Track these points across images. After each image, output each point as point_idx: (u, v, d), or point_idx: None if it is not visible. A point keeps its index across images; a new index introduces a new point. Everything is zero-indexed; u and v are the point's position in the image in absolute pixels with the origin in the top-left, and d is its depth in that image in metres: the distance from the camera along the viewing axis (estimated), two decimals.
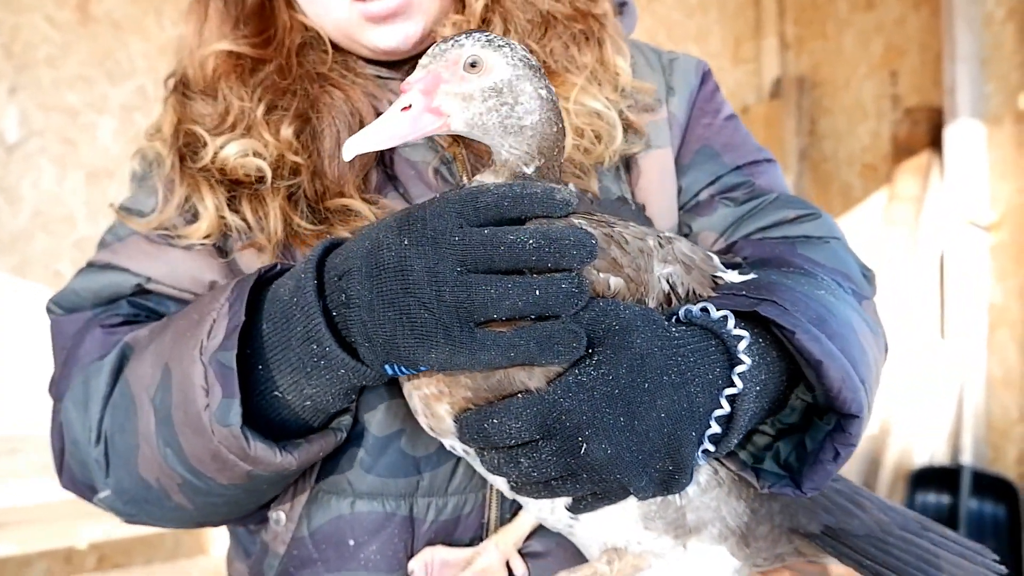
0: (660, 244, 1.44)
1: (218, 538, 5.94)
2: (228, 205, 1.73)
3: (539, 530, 1.65)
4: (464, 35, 1.32)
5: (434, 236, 1.24)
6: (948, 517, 6.32)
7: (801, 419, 1.51)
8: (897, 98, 7.49)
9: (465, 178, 1.73)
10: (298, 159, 1.71)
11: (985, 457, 6.52)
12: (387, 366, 1.33)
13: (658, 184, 1.89)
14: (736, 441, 1.36)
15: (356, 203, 1.68)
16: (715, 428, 1.32)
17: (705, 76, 2.06)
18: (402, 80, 1.69)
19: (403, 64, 1.89)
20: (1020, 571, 5.94)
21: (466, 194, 1.27)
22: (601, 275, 1.32)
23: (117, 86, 6.42)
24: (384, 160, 1.80)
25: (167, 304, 1.80)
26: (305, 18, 1.86)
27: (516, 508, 1.65)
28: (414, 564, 1.62)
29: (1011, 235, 6.38)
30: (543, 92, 1.37)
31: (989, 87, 6.54)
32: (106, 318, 1.75)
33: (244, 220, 1.72)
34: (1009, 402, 6.43)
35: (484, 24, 1.80)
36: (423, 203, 1.30)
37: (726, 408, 1.32)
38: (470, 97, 1.31)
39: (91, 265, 1.84)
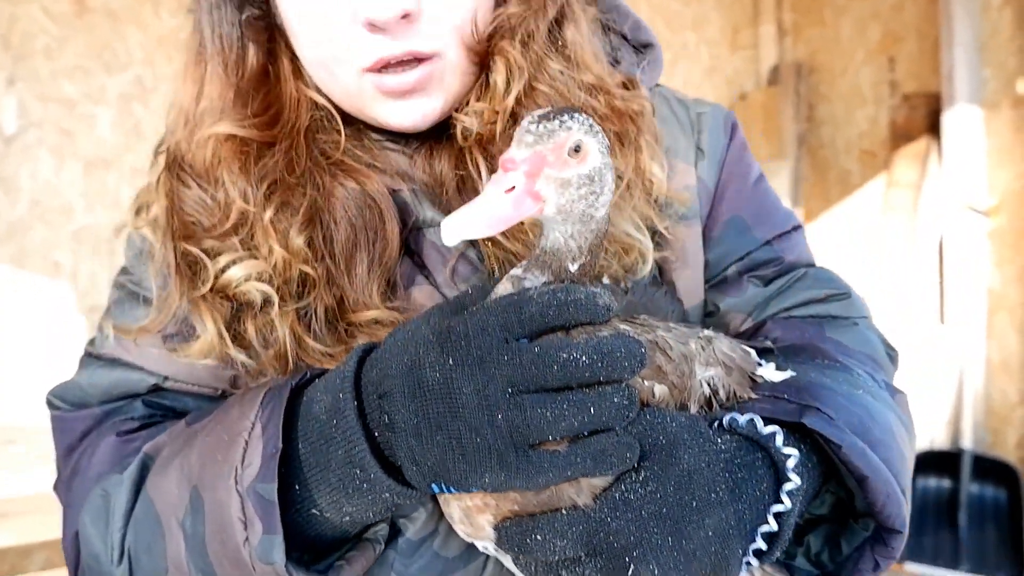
0: (702, 347, 1.39)
1: None
2: (231, 330, 1.57)
3: None
4: (567, 115, 1.22)
5: (480, 355, 1.17)
6: (949, 501, 6.33)
7: (830, 511, 1.47)
8: (895, 84, 7.48)
9: (493, 265, 1.61)
10: (310, 270, 1.55)
11: (985, 441, 6.53)
12: (435, 486, 1.23)
13: (686, 260, 1.78)
14: (779, 554, 1.32)
15: (383, 314, 1.54)
16: (760, 544, 1.28)
17: (733, 130, 1.91)
18: (411, 151, 1.70)
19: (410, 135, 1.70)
20: (1021, 554, 5.95)
21: (508, 304, 1.20)
22: (646, 383, 1.28)
23: (114, 77, 6.42)
24: (410, 245, 1.65)
25: (184, 400, 1.70)
26: (314, 93, 1.67)
27: None
28: None
29: (1009, 220, 6.38)
30: (613, 177, 1.30)
31: (987, 72, 6.54)
32: (121, 423, 1.64)
33: (249, 346, 1.57)
34: (1008, 387, 6.44)
35: (514, 119, 1.59)
36: (463, 317, 1.21)
37: (773, 526, 1.28)
38: (568, 183, 1.22)
39: (97, 357, 1.72)
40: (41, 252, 6.21)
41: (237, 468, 1.33)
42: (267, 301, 1.55)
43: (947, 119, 6.63)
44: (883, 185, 7.26)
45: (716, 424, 1.35)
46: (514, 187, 1.18)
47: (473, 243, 1.64)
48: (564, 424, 1.13)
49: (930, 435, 6.59)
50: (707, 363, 1.38)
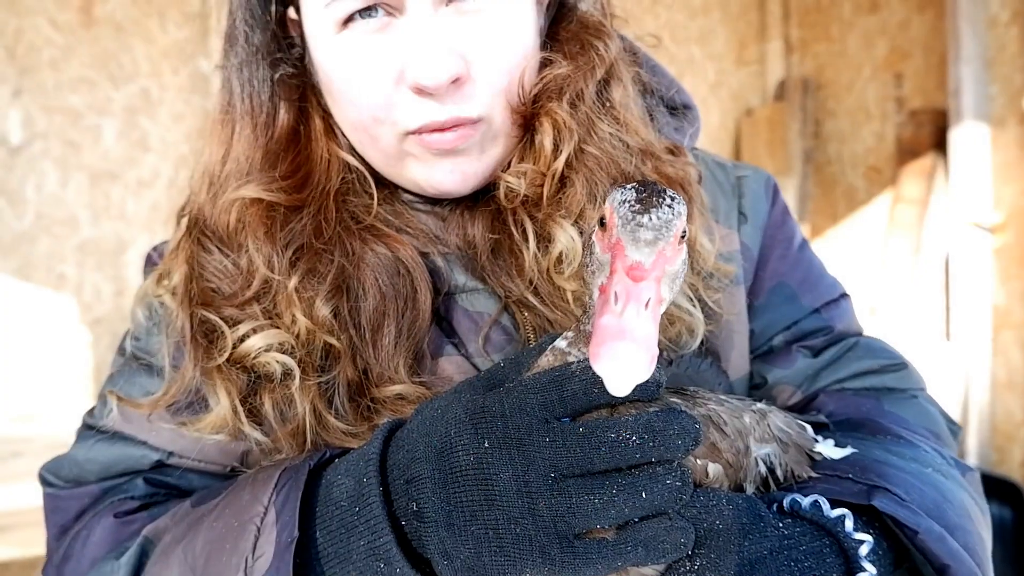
0: (756, 421, 1.32)
1: None
2: (247, 405, 1.49)
3: None
4: (670, 198, 1.07)
5: (519, 437, 1.08)
6: None
7: None
8: (901, 100, 7.46)
9: (529, 335, 1.53)
10: (335, 341, 1.46)
11: (990, 459, 6.50)
12: None
13: (731, 329, 1.69)
14: None
15: (409, 389, 1.44)
16: None
17: (775, 195, 1.84)
18: (445, 213, 1.63)
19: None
20: None
21: (549, 381, 1.10)
22: (699, 462, 1.19)
23: (120, 89, 6.40)
24: (440, 312, 1.56)
25: (190, 478, 1.61)
26: (346, 154, 1.61)
27: None
28: None
29: (1015, 237, 6.36)
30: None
31: (993, 89, 6.52)
32: (119, 503, 1.54)
33: (264, 422, 1.49)
34: (1013, 404, 6.41)
35: (562, 183, 1.53)
36: (498, 394, 1.12)
37: None
38: (676, 275, 1.11)
39: (97, 431, 1.64)
40: (46, 264, 6.19)
41: (248, 558, 1.24)
42: (287, 374, 1.47)
43: (954, 135, 6.61)
44: (889, 201, 7.24)
45: (776, 507, 1.27)
46: (650, 299, 1.01)
47: (506, 308, 1.56)
48: (614, 511, 1.04)
49: None
50: (762, 439, 1.31)
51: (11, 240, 6.08)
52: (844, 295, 1.83)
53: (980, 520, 1.42)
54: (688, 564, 1.08)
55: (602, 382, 0.99)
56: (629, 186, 1.10)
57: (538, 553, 1.05)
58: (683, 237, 1.09)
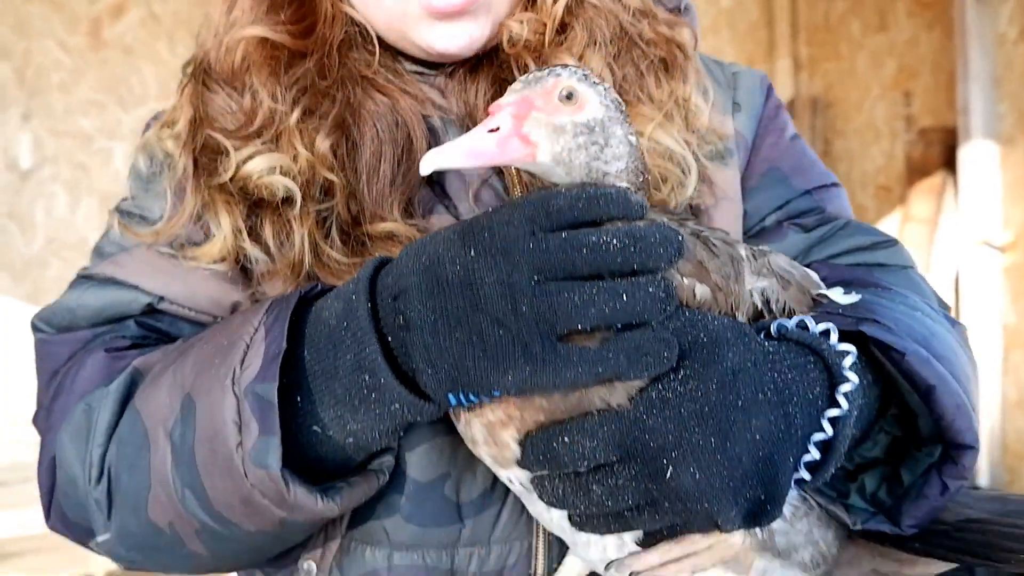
0: (753, 255, 1.33)
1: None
2: (247, 227, 1.51)
3: None
4: (560, 67, 1.22)
5: (504, 246, 1.10)
6: None
7: (884, 453, 1.38)
8: (911, 119, 7.47)
9: (518, 190, 1.59)
10: (333, 177, 1.49)
11: (1001, 480, 6.49)
12: (451, 395, 1.15)
13: (724, 204, 1.72)
14: (833, 469, 1.24)
15: (400, 227, 1.48)
16: (813, 454, 1.20)
17: (769, 91, 1.89)
18: (444, 82, 1.67)
19: (444, 65, 1.67)
20: None
21: (536, 199, 1.13)
22: (686, 281, 1.20)
23: (129, 112, 6.43)
24: (432, 176, 1.54)
25: (181, 326, 1.61)
26: (350, 8, 1.60)
27: (564, 556, 1.46)
28: None
29: None
30: (632, 139, 1.26)
31: (1002, 107, 6.53)
32: (111, 340, 1.55)
33: (264, 245, 1.51)
34: None
35: (563, 29, 1.59)
36: (484, 212, 1.17)
37: (828, 432, 1.19)
38: (561, 129, 1.18)
39: (88, 278, 1.64)
40: (56, 289, 6.09)
41: (235, 370, 1.27)
42: (288, 199, 1.50)
43: (963, 154, 6.62)
44: (899, 220, 7.25)
45: (763, 332, 1.27)
46: (499, 127, 1.16)
47: (499, 173, 1.61)
48: (594, 311, 1.07)
49: None
50: (759, 272, 1.32)
51: (22, 265, 6.09)
52: (836, 184, 1.85)
53: (966, 360, 1.44)
54: (674, 374, 1.11)
55: (586, 197, 1.11)
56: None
57: (521, 353, 1.08)
58: (569, 97, 1.19)
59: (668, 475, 1.09)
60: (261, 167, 1.49)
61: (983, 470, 6.40)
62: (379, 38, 1.63)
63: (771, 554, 1.27)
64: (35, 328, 1.68)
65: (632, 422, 1.10)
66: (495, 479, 1.42)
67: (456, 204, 1.58)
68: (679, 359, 1.11)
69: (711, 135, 1.69)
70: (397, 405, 1.20)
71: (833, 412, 1.19)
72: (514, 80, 1.35)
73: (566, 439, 1.12)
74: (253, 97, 1.55)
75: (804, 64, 8.67)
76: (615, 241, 1.08)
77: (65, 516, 1.49)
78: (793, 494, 1.25)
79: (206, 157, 1.54)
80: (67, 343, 1.61)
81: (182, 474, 1.30)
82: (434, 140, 1.61)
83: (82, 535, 1.48)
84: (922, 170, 7.04)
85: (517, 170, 1.57)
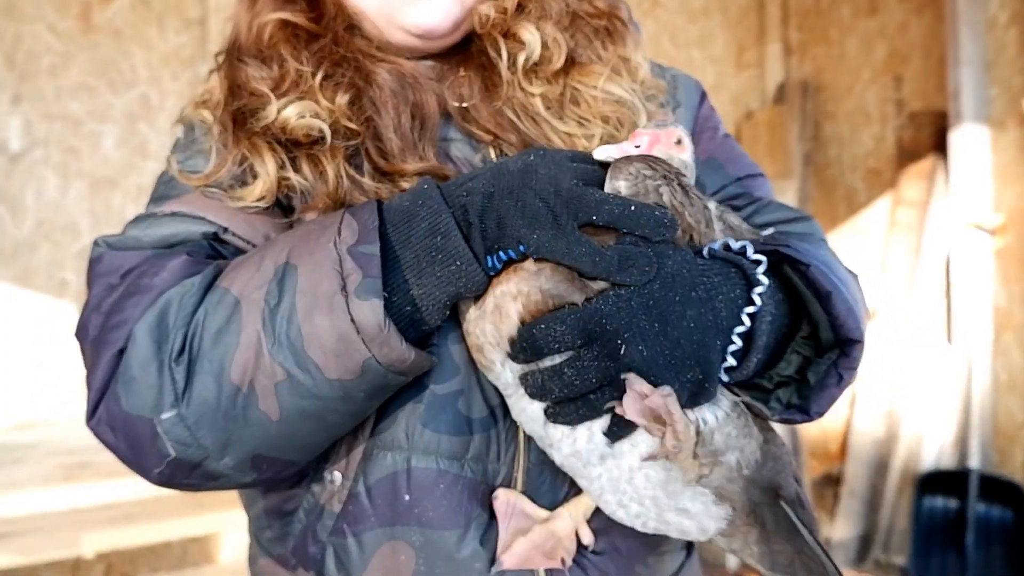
0: (718, 209, 1.64)
1: (226, 545, 5.92)
2: (286, 164, 1.73)
3: (598, 529, 1.72)
4: (675, 122, 1.67)
5: (556, 160, 1.45)
6: (956, 521, 6.32)
7: (796, 371, 1.61)
8: (901, 103, 7.49)
9: None
10: (353, 125, 1.73)
11: (992, 461, 6.52)
12: (489, 258, 1.43)
13: None
14: (756, 360, 1.48)
15: (430, 165, 1.73)
16: (737, 343, 1.45)
17: (703, 96, 2.18)
18: (436, 77, 1.91)
19: (433, 60, 1.94)
20: None
21: (583, 153, 1.54)
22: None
23: (119, 95, 6.42)
24: (441, 147, 1.84)
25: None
26: (352, 3, 1.87)
27: (540, 484, 1.70)
28: (499, 496, 1.68)
29: (1016, 239, 6.39)
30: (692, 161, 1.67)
31: (993, 91, 6.55)
32: (191, 249, 1.65)
33: (305, 179, 1.72)
34: (1015, 406, 6.43)
35: (520, 9, 1.87)
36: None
37: (747, 324, 1.44)
38: (671, 159, 1.58)
39: (152, 216, 1.73)
40: (46, 271, 6.21)
41: (335, 238, 1.47)
42: (321, 139, 1.71)
43: (953, 138, 6.64)
44: (889, 204, 7.28)
45: (696, 253, 1.50)
46: (639, 146, 1.55)
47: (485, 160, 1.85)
48: (608, 208, 1.37)
49: (937, 455, 6.58)
50: (721, 220, 1.63)
51: (11, 247, 6.09)
52: (761, 174, 2.16)
53: (858, 292, 1.80)
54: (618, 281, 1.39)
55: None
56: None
57: (551, 220, 1.37)
58: (679, 143, 1.61)
59: (622, 352, 1.35)
60: (296, 111, 1.71)
61: (973, 452, 6.43)
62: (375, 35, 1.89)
63: (708, 453, 1.48)
64: (95, 244, 1.74)
65: (592, 311, 1.35)
66: (497, 402, 1.66)
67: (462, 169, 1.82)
68: (627, 265, 1.38)
69: (653, 88, 1.99)
70: (457, 264, 1.44)
71: (750, 308, 1.45)
72: (492, 66, 1.85)
73: (543, 326, 1.37)
74: (280, 65, 1.79)
75: (795, 48, 8.68)
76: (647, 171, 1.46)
77: (119, 409, 1.52)
78: (726, 399, 1.50)
79: (247, 110, 1.76)
80: (128, 257, 1.66)
81: (277, 325, 1.45)
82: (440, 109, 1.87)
83: (131, 429, 1.52)
84: (913, 154, 7.06)
85: (501, 153, 1.84)
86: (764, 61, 8.80)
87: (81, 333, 1.64)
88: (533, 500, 1.69)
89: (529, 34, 1.83)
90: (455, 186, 1.49)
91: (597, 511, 1.68)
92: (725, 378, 1.48)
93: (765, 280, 1.46)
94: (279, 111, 1.71)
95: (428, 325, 1.53)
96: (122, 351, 1.52)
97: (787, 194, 7.96)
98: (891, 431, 6.76)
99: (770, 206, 2.04)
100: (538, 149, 1.50)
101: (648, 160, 1.50)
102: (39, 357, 6.11)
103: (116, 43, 6.40)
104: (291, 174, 1.71)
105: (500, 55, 1.84)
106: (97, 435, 1.59)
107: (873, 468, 6.80)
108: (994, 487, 6.28)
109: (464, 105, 1.87)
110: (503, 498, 1.67)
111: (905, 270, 6.84)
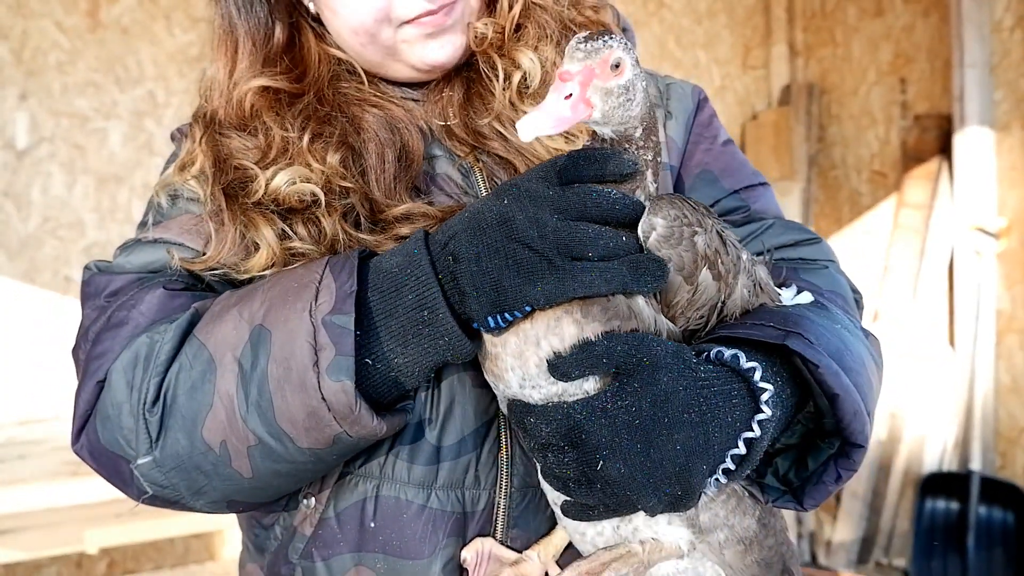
0: (750, 261, 1.63)
1: (228, 542, 5.93)
2: (285, 232, 1.72)
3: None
4: (608, 37, 1.43)
5: (530, 195, 1.40)
6: (957, 523, 6.32)
7: (799, 438, 1.65)
8: (906, 105, 7.48)
9: (481, 185, 1.84)
10: (347, 183, 1.72)
11: (994, 464, 6.52)
12: (490, 317, 1.41)
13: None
14: (746, 474, 1.50)
15: (413, 206, 1.72)
16: (729, 464, 1.45)
17: (701, 102, 2.14)
18: (422, 99, 1.93)
19: (421, 86, 1.94)
20: None
21: (547, 164, 1.45)
22: (700, 263, 1.48)
23: (126, 92, 6.43)
24: (419, 187, 1.83)
25: (223, 284, 1.78)
26: (335, 50, 1.90)
27: (526, 508, 1.73)
28: (467, 553, 1.70)
29: (1019, 242, 6.38)
30: (645, 85, 1.51)
31: (998, 94, 6.55)
32: (169, 281, 1.72)
33: (305, 243, 1.71)
34: (1017, 409, 6.43)
35: (519, 30, 1.88)
36: (509, 179, 1.54)
37: (743, 450, 1.44)
38: (610, 92, 1.43)
39: (137, 242, 1.82)
40: (52, 267, 6.23)
41: (311, 304, 1.48)
42: (314, 202, 1.71)
43: (958, 140, 6.64)
44: (893, 206, 7.27)
45: (704, 355, 1.50)
46: (571, 94, 1.39)
47: (471, 178, 1.86)
48: (603, 242, 1.37)
49: (938, 457, 6.58)
50: (748, 275, 1.60)
51: (17, 243, 6.10)
52: (764, 184, 2.12)
53: (873, 370, 1.71)
54: (617, 388, 1.38)
55: (589, 156, 1.44)
56: (580, 35, 1.45)
57: (547, 267, 1.35)
58: (616, 67, 1.43)
59: (599, 467, 1.36)
60: (286, 179, 1.71)
61: (975, 455, 6.42)
62: (363, 69, 1.91)
63: (694, 530, 1.55)
64: (86, 268, 1.85)
65: (576, 422, 1.37)
66: (471, 430, 1.70)
67: (439, 199, 1.82)
68: (624, 376, 1.38)
69: None
70: (444, 339, 1.47)
71: (748, 435, 1.44)
72: (479, 79, 1.85)
73: (532, 419, 1.43)
74: (266, 134, 1.78)
75: (800, 50, 8.67)
76: (614, 194, 1.41)
77: (97, 441, 1.61)
78: (712, 488, 1.50)
79: (237, 184, 1.75)
80: (111, 280, 1.77)
81: (249, 393, 1.50)
82: (424, 142, 1.87)
83: (109, 462, 1.62)
84: (917, 156, 7.05)
85: (481, 170, 1.85)
86: (769, 63, 8.79)
87: (74, 356, 1.75)
88: (516, 524, 1.73)
89: (529, 61, 1.84)
90: (440, 246, 1.47)
91: (567, 549, 1.72)
92: (722, 479, 1.48)
93: (769, 412, 1.44)
94: (268, 182, 1.71)
95: (410, 387, 1.57)
96: (100, 383, 1.61)
97: (792, 195, 7.97)
98: (893, 433, 6.76)
99: (775, 226, 2.02)
100: (510, 185, 1.45)
101: (687, 204, 1.48)
102: (44, 353, 6.12)
103: (123, 40, 6.42)
104: (294, 243, 1.70)
105: (495, 75, 1.85)
106: (81, 459, 1.68)
107: (875, 470, 6.80)
108: (995, 490, 6.28)
109: (446, 124, 1.87)
110: (474, 549, 1.70)
111: (908, 272, 6.83)
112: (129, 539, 5.29)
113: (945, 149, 6.87)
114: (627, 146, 1.49)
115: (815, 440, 1.62)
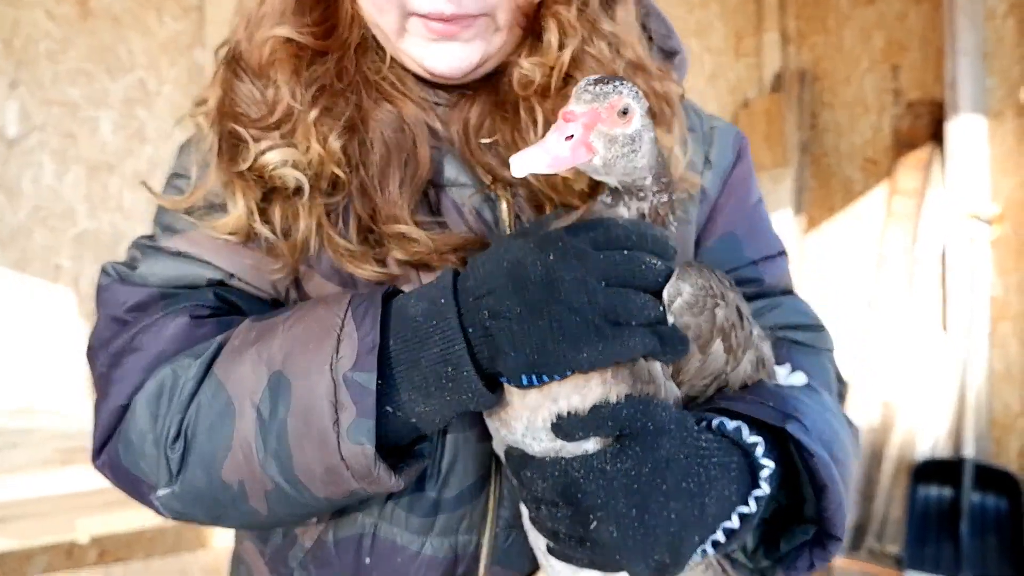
0: (760, 336, 1.63)
1: (220, 531, 5.93)
2: (260, 209, 1.66)
3: None
4: (619, 82, 1.38)
5: (578, 254, 1.33)
6: (950, 510, 6.33)
7: (770, 515, 1.61)
8: (898, 92, 7.48)
9: (507, 218, 1.74)
10: (340, 172, 1.64)
11: (987, 450, 6.52)
12: (525, 376, 1.37)
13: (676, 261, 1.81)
14: (734, 547, 1.49)
15: (413, 230, 1.62)
16: (719, 536, 1.43)
17: (742, 152, 2.04)
18: (443, 104, 1.79)
19: (444, 88, 1.79)
20: (1023, 564, 5.95)
21: (598, 223, 1.40)
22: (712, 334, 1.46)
23: (117, 81, 6.42)
24: (430, 199, 1.73)
25: (248, 301, 1.76)
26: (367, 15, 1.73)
27: (509, 546, 1.75)
28: None
29: (1012, 229, 6.39)
30: (654, 138, 1.45)
31: (990, 81, 6.55)
32: (195, 308, 1.68)
33: (272, 227, 1.66)
34: (1010, 396, 6.44)
35: (567, 81, 1.71)
36: (555, 230, 1.40)
37: (736, 523, 1.43)
38: (614, 140, 1.37)
39: (159, 249, 1.75)
40: (43, 257, 6.22)
41: (332, 357, 1.43)
42: (299, 189, 1.64)
43: (950, 127, 6.64)
44: (886, 193, 7.27)
45: (705, 424, 1.48)
46: (573, 135, 1.32)
47: (489, 199, 1.74)
48: (646, 312, 1.34)
49: (932, 444, 6.59)
50: (755, 350, 1.59)
51: (8, 233, 6.09)
52: (782, 252, 2.08)
53: (853, 459, 1.71)
54: (618, 450, 1.36)
55: (639, 233, 1.38)
56: (591, 76, 1.39)
57: (594, 333, 1.30)
58: (624, 113, 1.36)
59: (592, 527, 1.34)
60: (275, 160, 1.63)
61: (968, 441, 6.43)
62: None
63: None
64: (104, 272, 1.80)
65: (574, 480, 1.35)
66: (470, 483, 1.69)
67: (448, 224, 1.72)
68: (626, 439, 1.36)
69: (683, 183, 1.85)
70: (468, 395, 1.40)
71: (744, 510, 1.43)
72: (508, 108, 1.71)
73: (529, 473, 1.42)
74: (276, 92, 1.67)
75: (792, 37, 8.67)
76: (661, 265, 1.38)
77: (119, 462, 1.62)
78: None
79: (229, 143, 1.68)
80: (132, 293, 1.72)
81: (268, 442, 1.47)
82: (437, 154, 1.74)
83: (131, 484, 1.63)
84: (910, 143, 7.05)
85: (510, 203, 1.73)
86: (761, 50, 8.78)
87: (90, 361, 1.72)
88: (498, 562, 1.75)
89: None
90: (473, 296, 1.39)
91: None
92: (709, 550, 1.45)
93: (767, 488, 1.44)
94: (258, 155, 1.64)
95: (429, 432, 1.54)
96: (123, 407, 1.61)
97: (784, 183, 7.97)
98: (886, 420, 6.76)
99: (784, 306, 2.01)
100: (553, 239, 1.36)
101: (714, 275, 1.46)
102: (35, 342, 6.11)
103: (114, 29, 6.41)
104: (257, 224, 1.66)
105: (533, 120, 1.71)
106: (101, 474, 1.67)
107: (868, 457, 6.80)
108: (989, 476, 6.28)
109: (485, 141, 1.73)
110: None
111: (901, 260, 6.83)
112: (121, 528, 5.30)
113: (938, 136, 6.87)
114: (640, 195, 1.45)
115: (788, 522, 1.60)
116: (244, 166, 1.64)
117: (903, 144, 7.13)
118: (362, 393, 1.40)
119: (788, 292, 2.09)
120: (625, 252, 1.36)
